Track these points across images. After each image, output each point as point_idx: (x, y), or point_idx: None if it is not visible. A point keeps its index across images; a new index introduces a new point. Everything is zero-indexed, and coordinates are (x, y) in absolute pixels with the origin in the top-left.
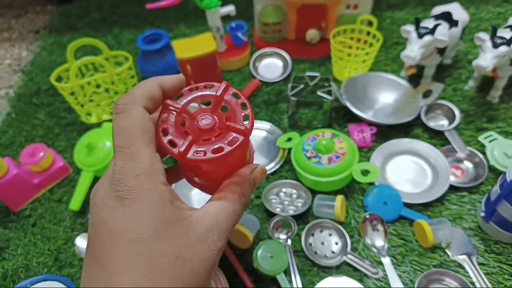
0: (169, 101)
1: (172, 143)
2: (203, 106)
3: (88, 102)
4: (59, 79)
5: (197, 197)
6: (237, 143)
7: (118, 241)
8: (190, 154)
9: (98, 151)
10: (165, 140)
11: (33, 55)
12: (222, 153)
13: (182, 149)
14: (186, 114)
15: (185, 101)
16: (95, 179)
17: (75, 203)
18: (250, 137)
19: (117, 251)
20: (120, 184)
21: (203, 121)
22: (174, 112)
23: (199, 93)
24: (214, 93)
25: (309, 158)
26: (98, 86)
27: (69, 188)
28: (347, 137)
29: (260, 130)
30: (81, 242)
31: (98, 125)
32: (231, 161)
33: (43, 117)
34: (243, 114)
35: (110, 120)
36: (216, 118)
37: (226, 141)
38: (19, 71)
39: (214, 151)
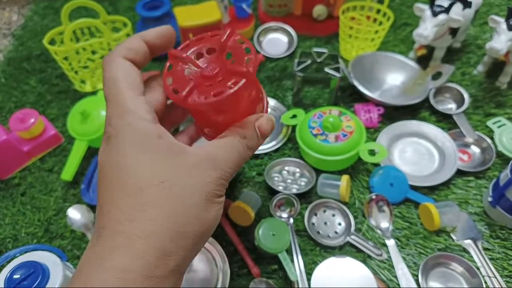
0: (173, 51)
1: (176, 91)
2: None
3: (82, 69)
4: (52, 42)
5: None
6: (238, 84)
7: (105, 174)
8: (191, 99)
9: (92, 120)
10: (170, 88)
11: (24, 19)
12: (223, 95)
13: (183, 93)
14: (190, 62)
15: (191, 51)
16: (89, 149)
17: (67, 173)
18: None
19: (104, 184)
20: (107, 127)
21: (206, 67)
22: (180, 62)
23: (204, 43)
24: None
25: (315, 135)
26: (93, 52)
27: (60, 158)
28: (354, 115)
29: None
30: (73, 213)
31: (93, 94)
32: (236, 106)
33: (34, 83)
34: (246, 58)
35: None
36: (219, 64)
37: (227, 85)
38: (9, 35)
39: (215, 95)
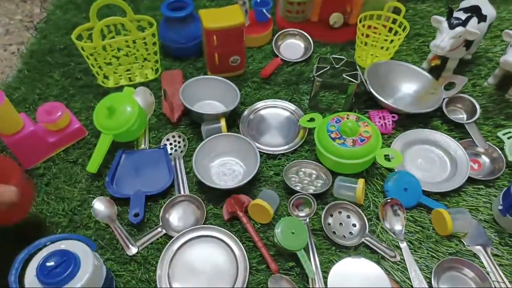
0: None
1: None
2: None
3: (106, 65)
4: (78, 38)
5: (215, 170)
6: None
7: None
8: None
9: (118, 115)
10: None
11: (47, 12)
12: None
13: None
14: None
15: None
16: (113, 143)
17: (92, 166)
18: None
19: None
20: None
21: None
22: None
23: None
24: None
25: (333, 139)
26: (118, 49)
27: (84, 151)
28: (370, 121)
29: (284, 110)
30: (98, 204)
31: (115, 89)
32: None
33: (57, 77)
34: None
35: (129, 85)
36: None
37: None
38: (31, 28)
39: None
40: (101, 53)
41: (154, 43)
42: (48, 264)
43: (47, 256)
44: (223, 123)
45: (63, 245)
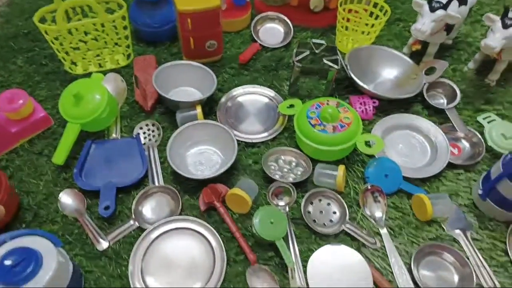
0: None
1: None
2: None
3: (73, 50)
4: (41, 21)
5: (191, 159)
6: None
7: None
8: None
9: (86, 103)
10: None
11: None
12: None
13: None
14: None
15: None
16: (83, 133)
17: (59, 157)
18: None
19: None
20: None
21: None
22: None
23: None
24: None
25: (313, 125)
26: (86, 33)
27: (50, 141)
28: (351, 107)
29: (263, 96)
30: (65, 198)
31: (84, 76)
32: None
33: (21, 63)
34: None
35: (99, 72)
36: None
37: None
38: None
39: None
40: (66, 37)
41: (125, 27)
42: (6, 262)
43: (6, 254)
44: (199, 110)
45: (24, 241)
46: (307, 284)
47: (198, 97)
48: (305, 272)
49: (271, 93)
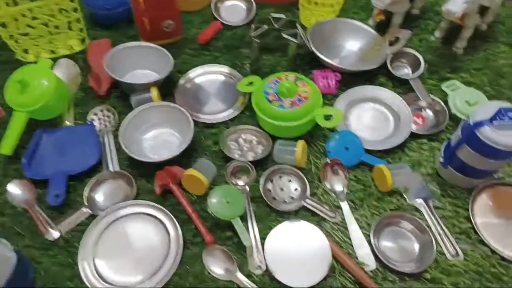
0: None
1: None
2: None
3: (22, 37)
4: None
5: (148, 143)
6: None
7: None
8: None
9: (32, 90)
10: None
11: None
12: None
13: None
14: None
15: None
16: (35, 121)
17: (6, 147)
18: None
19: None
20: None
21: None
22: None
23: None
24: None
25: (270, 101)
26: (34, 18)
27: (1, 131)
28: (310, 81)
29: (219, 74)
30: (13, 188)
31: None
32: None
33: None
34: None
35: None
36: None
37: None
38: None
39: None
40: (13, 23)
41: (75, 10)
42: None
43: None
44: (154, 92)
45: None
46: (266, 262)
47: (153, 79)
48: (264, 250)
49: (230, 71)
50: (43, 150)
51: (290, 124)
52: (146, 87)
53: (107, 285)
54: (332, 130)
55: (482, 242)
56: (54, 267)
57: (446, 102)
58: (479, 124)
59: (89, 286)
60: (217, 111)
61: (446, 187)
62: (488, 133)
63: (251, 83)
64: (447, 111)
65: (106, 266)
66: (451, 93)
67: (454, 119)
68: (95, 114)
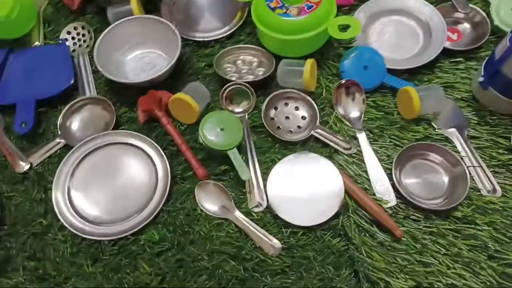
0: None
1: None
2: None
3: None
4: None
5: (132, 65)
6: None
7: None
8: None
9: None
10: None
11: None
12: None
13: None
14: None
15: None
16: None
17: None
18: None
19: None
20: None
21: None
22: None
23: None
24: None
25: (273, 8)
26: None
27: None
28: None
29: None
30: None
31: None
32: None
33: None
34: None
35: None
36: None
37: None
38: None
39: None
40: None
41: None
42: None
43: None
44: (133, 4)
45: None
46: (267, 198)
47: None
48: (266, 186)
49: None
50: (9, 73)
51: (297, 37)
52: None
53: (83, 221)
54: (348, 47)
55: None
56: (27, 203)
57: (488, 13)
58: None
59: (64, 223)
60: (212, 29)
61: (485, 113)
62: None
63: None
64: (489, 23)
65: (82, 198)
66: (494, 1)
67: (497, 34)
68: (69, 33)
